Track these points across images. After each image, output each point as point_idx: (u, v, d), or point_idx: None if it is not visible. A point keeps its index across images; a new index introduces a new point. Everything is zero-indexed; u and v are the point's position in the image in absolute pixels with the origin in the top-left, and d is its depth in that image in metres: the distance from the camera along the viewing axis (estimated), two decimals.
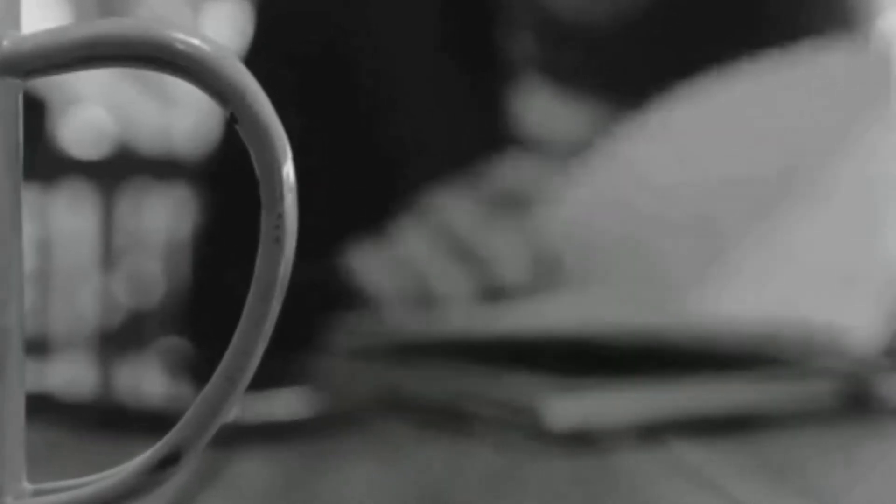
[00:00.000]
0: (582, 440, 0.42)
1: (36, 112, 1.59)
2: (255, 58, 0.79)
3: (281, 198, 0.21)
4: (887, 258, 0.55)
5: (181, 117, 2.90)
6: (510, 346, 0.49)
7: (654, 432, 0.43)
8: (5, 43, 0.22)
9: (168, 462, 0.23)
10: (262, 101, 0.22)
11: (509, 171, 0.66)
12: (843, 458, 0.41)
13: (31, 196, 1.32)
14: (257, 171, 0.22)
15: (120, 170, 1.42)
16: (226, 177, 0.80)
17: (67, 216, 1.42)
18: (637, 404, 0.44)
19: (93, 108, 2.70)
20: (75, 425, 0.45)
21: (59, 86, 2.14)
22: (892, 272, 0.53)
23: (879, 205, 0.59)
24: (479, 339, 0.51)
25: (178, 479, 0.35)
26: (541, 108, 0.79)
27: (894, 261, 0.54)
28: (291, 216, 0.22)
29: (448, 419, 0.47)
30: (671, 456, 0.40)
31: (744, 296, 0.58)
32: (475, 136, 0.77)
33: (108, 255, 1.45)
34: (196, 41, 0.22)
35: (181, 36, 0.22)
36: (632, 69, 0.81)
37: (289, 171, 0.22)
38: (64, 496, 0.23)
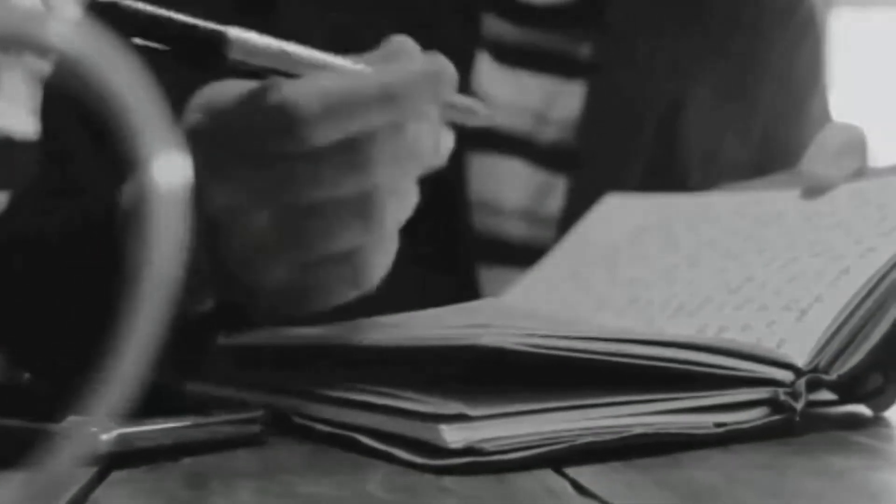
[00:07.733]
0: (479, 466, 0.40)
1: None
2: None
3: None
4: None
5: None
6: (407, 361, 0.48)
7: (558, 455, 0.42)
8: None
9: None
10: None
11: None
12: (767, 481, 0.40)
13: None
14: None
15: None
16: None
17: None
18: (541, 425, 0.43)
19: None
20: None
21: None
22: (819, 288, 0.52)
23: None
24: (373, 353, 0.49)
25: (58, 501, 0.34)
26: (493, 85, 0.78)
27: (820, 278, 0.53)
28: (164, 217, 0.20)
29: (340, 444, 0.45)
30: (574, 483, 0.39)
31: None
32: None
33: None
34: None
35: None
36: (582, 48, 0.81)
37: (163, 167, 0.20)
38: None
